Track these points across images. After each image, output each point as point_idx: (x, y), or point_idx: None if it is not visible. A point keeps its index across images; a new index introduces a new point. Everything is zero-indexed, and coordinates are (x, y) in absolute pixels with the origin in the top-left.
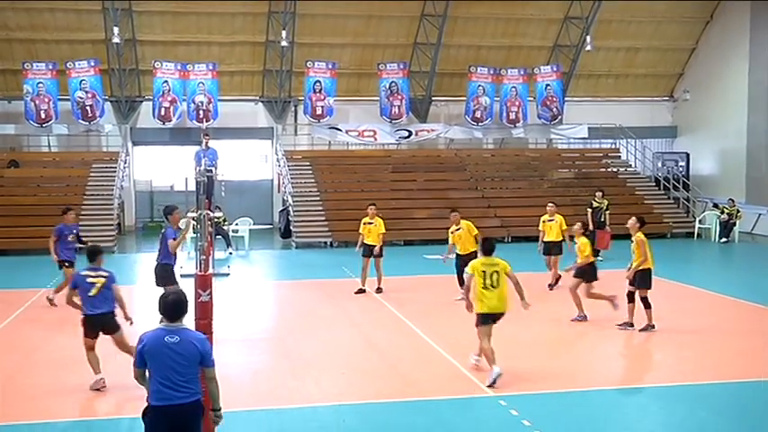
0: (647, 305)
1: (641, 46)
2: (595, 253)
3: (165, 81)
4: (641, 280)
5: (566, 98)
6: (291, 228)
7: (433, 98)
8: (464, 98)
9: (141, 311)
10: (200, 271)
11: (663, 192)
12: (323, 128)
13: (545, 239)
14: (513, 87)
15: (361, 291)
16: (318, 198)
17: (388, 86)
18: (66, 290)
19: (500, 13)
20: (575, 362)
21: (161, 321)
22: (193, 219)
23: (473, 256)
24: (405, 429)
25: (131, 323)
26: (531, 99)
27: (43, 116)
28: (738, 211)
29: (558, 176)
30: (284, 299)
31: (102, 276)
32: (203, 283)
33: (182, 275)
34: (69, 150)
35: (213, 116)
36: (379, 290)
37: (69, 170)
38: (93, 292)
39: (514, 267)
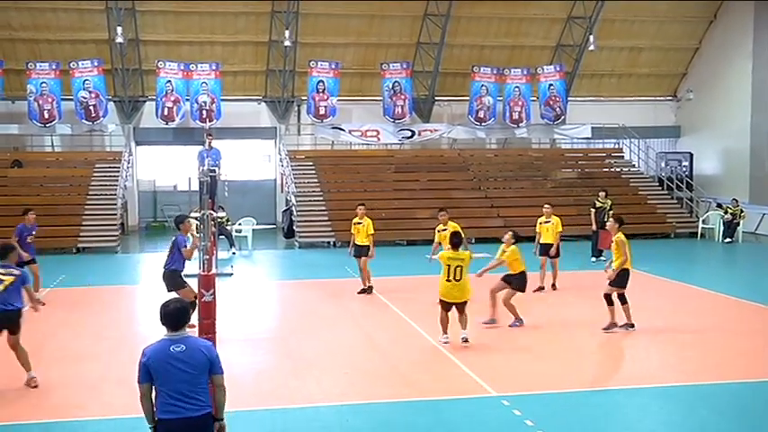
0: (623, 302)
1: (644, 46)
2: (598, 253)
3: (169, 81)
4: (619, 279)
5: (569, 98)
6: (294, 228)
7: (436, 98)
8: (467, 98)
9: (142, 312)
10: (204, 271)
11: (666, 192)
12: (326, 128)
13: (541, 241)
14: (517, 87)
15: (364, 290)
16: (321, 198)
17: (391, 86)
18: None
19: (503, 12)
20: (577, 362)
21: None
22: (196, 219)
23: None
24: (407, 429)
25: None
26: (534, 99)
27: (46, 116)
28: (742, 211)
29: (562, 176)
30: (287, 299)
31: (12, 275)
32: (206, 282)
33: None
34: (72, 150)
35: (216, 116)
36: (364, 290)
37: (72, 170)
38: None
39: None
